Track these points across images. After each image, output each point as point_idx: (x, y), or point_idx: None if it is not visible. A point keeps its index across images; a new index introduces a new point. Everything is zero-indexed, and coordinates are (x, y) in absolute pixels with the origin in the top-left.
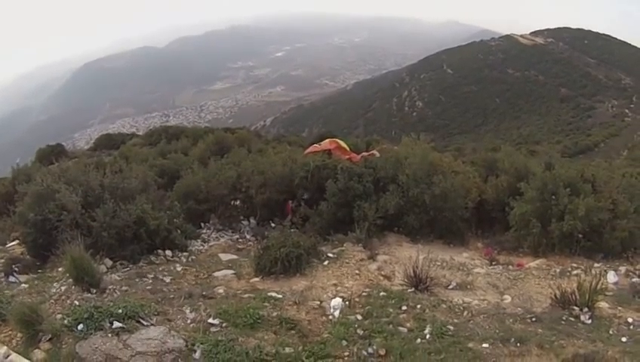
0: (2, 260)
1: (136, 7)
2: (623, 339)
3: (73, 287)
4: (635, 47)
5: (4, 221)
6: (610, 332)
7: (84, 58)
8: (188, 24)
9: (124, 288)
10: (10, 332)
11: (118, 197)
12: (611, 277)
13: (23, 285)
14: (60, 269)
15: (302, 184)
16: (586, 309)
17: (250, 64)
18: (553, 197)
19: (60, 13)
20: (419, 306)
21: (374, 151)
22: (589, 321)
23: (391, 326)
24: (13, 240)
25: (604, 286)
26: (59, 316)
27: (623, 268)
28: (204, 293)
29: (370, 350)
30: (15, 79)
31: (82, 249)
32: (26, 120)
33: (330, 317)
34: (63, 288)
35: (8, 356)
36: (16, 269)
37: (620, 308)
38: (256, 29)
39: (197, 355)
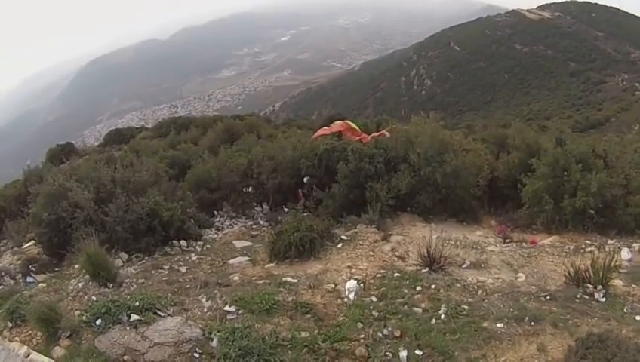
0: (19, 261)
1: (137, 5)
2: (637, 318)
3: (90, 283)
4: None
5: (19, 223)
6: (625, 310)
7: (88, 56)
8: (190, 14)
9: (140, 281)
10: (30, 332)
11: (130, 191)
12: (625, 254)
13: (41, 284)
14: (76, 266)
15: (307, 168)
16: (600, 287)
17: (256, 50)
18: (565, 173)
19: (61, 12)
20: (433, 286)
21: (384, 132)
22: (603, 299)
23: (406, 307)
24: (28, 241)
25: (617, 264)
26: (77, 312)
27: (636, 245)
28: (219, 281)
29: (385, 331)
30: (20, 82)
31: (97, 245)
32: (35, 121)
33: (346, 299)
34: (80, 285)
35: (29, 355)
36: (33, 269)
37: (634, 285)
38: (259, 14)
39: (214, 343)
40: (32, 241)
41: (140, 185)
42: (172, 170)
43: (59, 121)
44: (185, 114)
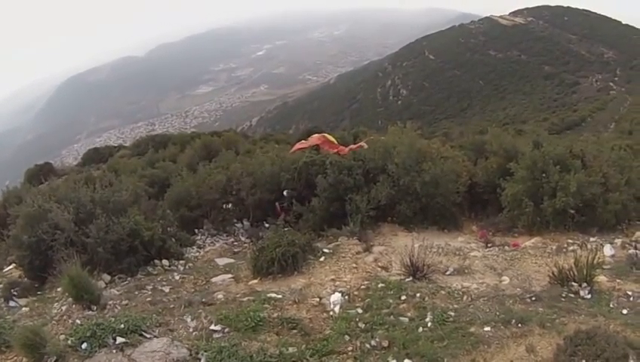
0: (1, 285)
1: (137, 5)
2: (624, 312)
3: (74, 306)
4: (615, 20)
5: None
6: (611, 305)
7: (65, 74)
8: (166, 31)
9: (124, 302)
10: (15, 358)
11: (110, 211)
12: (608, 250)
13: (24, 308)
14: (58, 289)
15: (287, 181)
16: (584, 284)
17: (232, 65)
18: (544, 175)
19: (60, 13)
20: (418, 295)
21: (362, 143)
22: (589, 296)
23: (392, 316)
24: (9, 264)
25: (601, 260)
26: (62, 336)
27: (618, 241)
28: (203, 300)
29: (373, 342)
30: None
31: (79, 266)
32: (13, 141)
33: (331, 313)
34: (63, 308)
35: None
36: (15, 293)
37: (618, 280)
38: (235, 30)
39: None
40: (13, 264)
41: (120, 205)
42: (151, 188)
43: (37, 140)
44: (162, 131)
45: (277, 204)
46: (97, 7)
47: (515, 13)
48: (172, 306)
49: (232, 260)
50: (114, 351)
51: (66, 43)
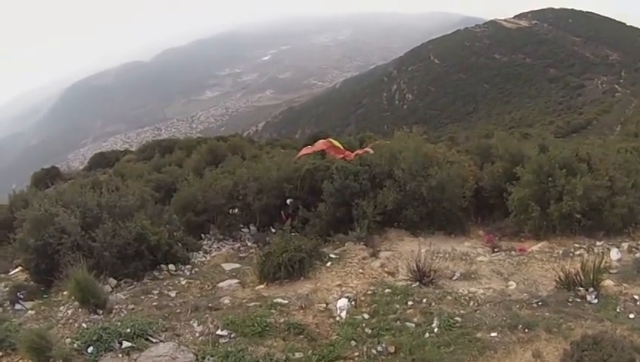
0: (7, 288)
1: (137, 5)
2: (631, 316)
3: (80, 310)
4: (620, 22)
5: (5, 249)
6: (617, 310)
7: (70, 78)
8: (172, 36)
9: (130, 306)
10: (20, 361)
11: (117, 215)
12: (614, 254)
13: (30, 312)
14: (64, 293)
15: (290, 190)
16: (591, 289)
17: (238, 70)
18: (550, 179)
19: (61, 12)
20: (424, 300)
21: (368, 149)
22: (596, 301)
23: (398, 322)
24: (16, 268)
25: (607, 264)
26: (68, 340)
27: (625, 245)
28: (210, 305)
29: (379, 348)
30: (1, 106)
31: (85, 270)
32: (18, 145)
33: (337, 318)
34: (69, 311)
35: None
36: (21, 296)
37: (625, 284)
38: (240, 34)
39: None
40: (20, 268)
41: (126, 210)
42: (158, 193)
43: (43, 144)
44: (168, 136)
45: (282, 212)
46: (97, 7)
47: (519, 17)
48: (178, 311)
49: (238, 265)
50: (120, 355)
51: (67, 43)
